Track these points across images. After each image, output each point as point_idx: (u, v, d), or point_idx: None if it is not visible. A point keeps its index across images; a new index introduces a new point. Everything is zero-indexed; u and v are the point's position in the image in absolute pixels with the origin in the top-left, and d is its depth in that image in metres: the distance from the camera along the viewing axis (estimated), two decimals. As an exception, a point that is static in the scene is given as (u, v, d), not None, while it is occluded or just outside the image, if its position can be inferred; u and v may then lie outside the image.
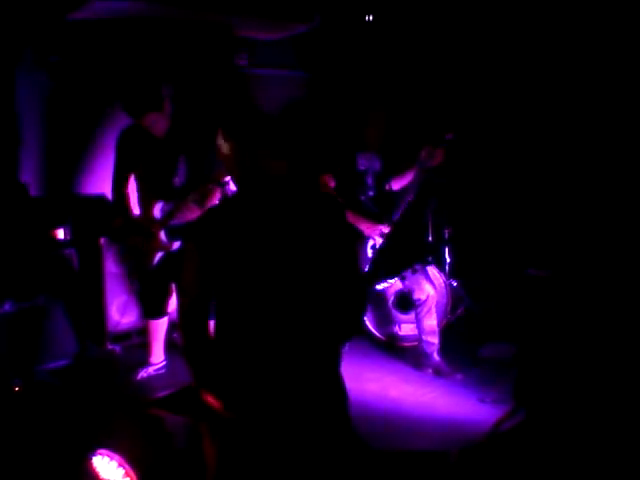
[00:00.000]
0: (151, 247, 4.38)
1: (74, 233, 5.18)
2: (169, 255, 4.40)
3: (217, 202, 4.39)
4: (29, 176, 5.14)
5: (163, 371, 4.67)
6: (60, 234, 5.07)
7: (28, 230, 4.74)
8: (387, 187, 4.83)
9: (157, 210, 4.36)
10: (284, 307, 2.21)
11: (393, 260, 4.79)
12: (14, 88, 5.08)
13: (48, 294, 4.66)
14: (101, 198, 5.30)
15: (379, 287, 4.98)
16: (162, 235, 4.35)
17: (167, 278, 4.49)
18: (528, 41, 5.21)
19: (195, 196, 4.24)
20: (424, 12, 5.56)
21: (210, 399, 2.20)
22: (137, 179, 4.43)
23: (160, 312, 4.61)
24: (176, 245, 4.37)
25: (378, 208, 4.83)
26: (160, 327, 4.64)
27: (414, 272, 4.84)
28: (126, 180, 4.41)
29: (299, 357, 2.23)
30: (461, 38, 5.53)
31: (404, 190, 4.74)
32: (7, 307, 4.44)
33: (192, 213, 4.24)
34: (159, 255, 4.41)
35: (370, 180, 4.84)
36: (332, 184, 4.72)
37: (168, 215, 4.34)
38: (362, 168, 4.82)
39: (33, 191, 5.06)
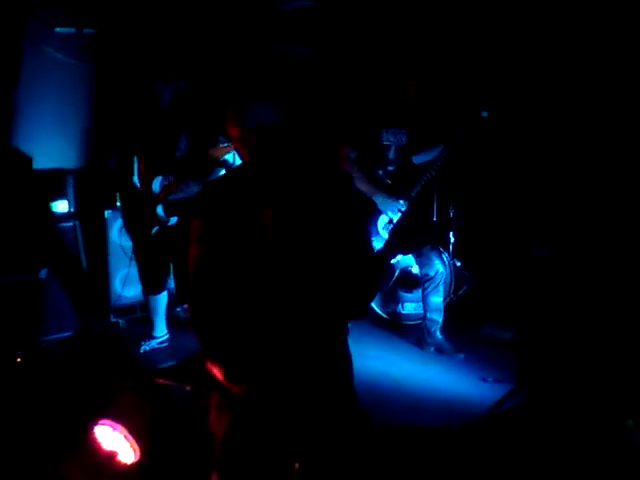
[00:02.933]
0: (148, 221, 4.39)
1: (78, 205, 5.19)
2: (166, 230, 4.40)
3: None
4: (35, 148, 5.10)
5: (166, 344, 4.69)
6: (64, 206, 5.08)
7: (30, 202, 4.73)
8: (411, 160, 4.80)
9: (156, 184, 4.35)
10: (289, 281, 2.20)
11: (411, 236, 4.76)
12: (21, 59, 5.03)
13: (50, 266, 4.65)
14: (105, 170, 5.29)
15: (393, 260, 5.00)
16: (159, 210, 4.34)
17: (165, 254, 4.50)
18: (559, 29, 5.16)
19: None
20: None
21: (216, 371, 2.20)
22: (139, 151, 4.42)
23: (159, 288, 4.62)
24: (173, 220, 4.38)
25: (397, 183, 4.83)
26: (160, 301, 4.65)
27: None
28: (131, 151, 4.42)
29: (305, 331, 2.23)
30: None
31: (424, 166, 4.72)
32: (9, 279, 4.44)
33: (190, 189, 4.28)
34: (155, 230, 4.42)
35: (392, 155, 4.82)
36: (352, 156, 4.71)
37: (166, 190, 4.33)
38: (387, 143, 4.80)
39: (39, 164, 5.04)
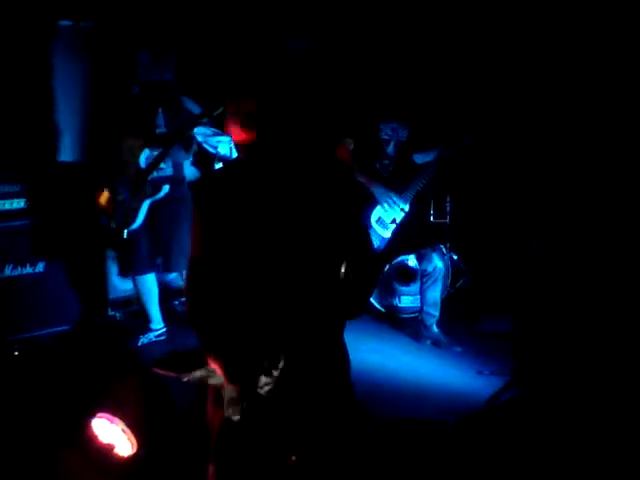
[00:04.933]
0: (138, 197, 4.41)
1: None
2: (156, 203, 4.45)
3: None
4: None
5: (164, 337, 4.69)
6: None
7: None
8: (411, 159, 4.82)
9: (142, 158, 4.41)
10: (288, 275, 2.20)
11: (413, 238, 4.83)
12: (49, 58, 5.03)
13: (49, 259, 4.65)
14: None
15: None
16: (147, 185, 4.41)
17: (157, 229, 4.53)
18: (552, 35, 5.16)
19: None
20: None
21: (215, 364, 2.20)
22: (120, 133, 4.49)
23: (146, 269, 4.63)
24: (164, 192, 4.43)
25: (393, 178, 4.83)
26: (151, 291, 4.63)
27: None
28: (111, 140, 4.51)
29: (303, 325, 2.23)
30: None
31: (424, 165, 4.74)
32: (7, 272, 4.43)
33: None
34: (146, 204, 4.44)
35: (391, 149, 4.83)
36: (350, 148, 4.72)
37: (153, 163, 4.39)
38: (385, 137, 4.81)
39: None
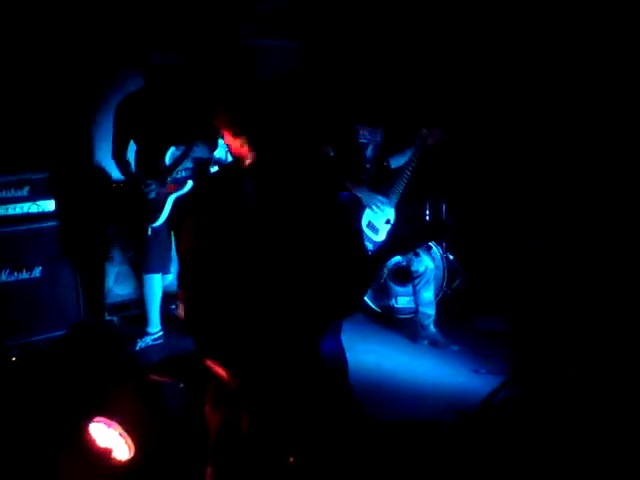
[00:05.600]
0: (163, 193, 4.45)
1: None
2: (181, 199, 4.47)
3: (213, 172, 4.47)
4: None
5: (161, 341, 4.69)
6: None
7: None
8: (385, 163, 4.83)
9: (168, 155, 4.48)
10: (280, 277, 2.21)
11: (405, 239, 4.83)
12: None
13: (46, 264, 4.64)
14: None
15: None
16: (170, 180, 4.46)
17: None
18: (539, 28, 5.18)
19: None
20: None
21: (212, 366, 2.22)
22: (136, 135, 4.53)
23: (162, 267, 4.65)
24: (186, 189, 4.45)
25: (375, 182, 4.84)
26: (156, 293, 4.64)
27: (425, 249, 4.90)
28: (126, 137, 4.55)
29: (297, 327, 2.24)
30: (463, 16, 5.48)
31: (401, 167, 4.75)
32: (4, 277, 4.43)
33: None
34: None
35: (370, 153, 4.85)
36: (331, 155, 4.73)
37: (178, 160, 4.45)
38: (363, 141, 4.82)
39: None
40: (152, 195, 4.44)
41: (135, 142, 4.57)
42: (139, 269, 4.76)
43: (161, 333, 4.71)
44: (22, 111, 4.85)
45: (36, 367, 4.13)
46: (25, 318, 4.49)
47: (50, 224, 4.69)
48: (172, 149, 4.48)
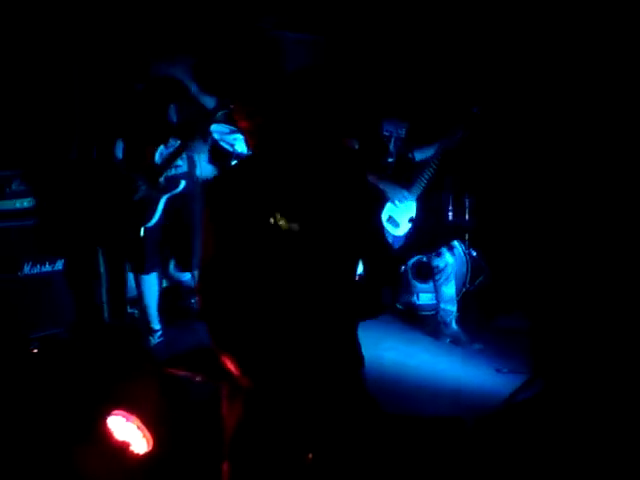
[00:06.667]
0: (154, 193, 4.38)
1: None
2: (173, 199, 4.41)
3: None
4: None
5: (162, 338, 4.62)
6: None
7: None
8: (410, 155, 4.79)
9: (157, 154, 4.35)
10: (303, 272, 2.18)
11: (427, 238, 4.80)
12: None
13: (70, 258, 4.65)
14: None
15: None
16: (162, 180, 4.36)
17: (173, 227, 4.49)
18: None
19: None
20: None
21: (228, 363, 2.19)
22: (124, 131, 4.46)
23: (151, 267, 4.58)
24: (178, 189, 4.37)
25: (398, 175, 4.80)
26: (154, 291, 4.59)
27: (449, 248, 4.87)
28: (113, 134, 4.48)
29: (317, 323, 2.21)
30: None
31: (426, 160, 4.70)
32: (26, 270, 4.45)
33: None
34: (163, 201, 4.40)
35: (393, 146, 4.81)
36: (355, 147, 4.70)
37: (169, 159, 4.34)
38: (386, 134, 4.78)
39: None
40: (141, 195, 4.38)
41: (122, 140, 4.48)
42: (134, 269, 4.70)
43: (161, 331, 4.67)
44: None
45: (56, 360, 4.14)
46: (47, 311, 4.50)
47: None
48: (161, 148, 4.34)
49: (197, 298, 2.31)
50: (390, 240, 4.69)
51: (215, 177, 2.34)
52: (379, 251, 2.29)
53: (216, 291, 2.19)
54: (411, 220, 4.71)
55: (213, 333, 2.23)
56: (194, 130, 4.36)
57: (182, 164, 4.42)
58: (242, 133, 2.35)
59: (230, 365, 2.19)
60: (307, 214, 2.17)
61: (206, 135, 4.45)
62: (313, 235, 2.17)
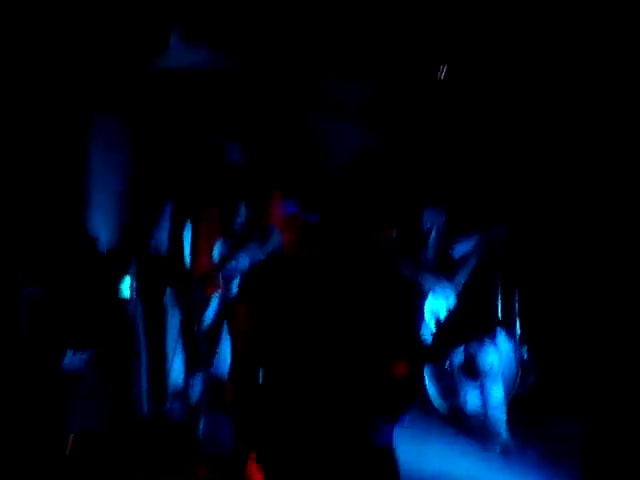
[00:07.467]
0: (208, 291, 4.27)
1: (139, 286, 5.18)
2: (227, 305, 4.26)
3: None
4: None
5: None
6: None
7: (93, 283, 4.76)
8: (450, 250, 4.71)
9: (216, 249, 4.27)
10: (334, 367, 2.16)
11: (460, 330, 4.68)
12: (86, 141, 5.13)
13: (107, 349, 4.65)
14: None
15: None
16: (219, 278, 4.23)
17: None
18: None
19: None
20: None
21: (254, 468, 2.15)
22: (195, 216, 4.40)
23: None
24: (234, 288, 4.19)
25: (437, 267, 4.71)
26: None
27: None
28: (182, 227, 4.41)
29: (349, 423, 2.17)
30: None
31: (466, 255, 4.62)
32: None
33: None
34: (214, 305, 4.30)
35: (432, 239, 4.73)
36: (392, 239, 4.64)
37: (227, 257, 4.22)
38: (427, 225, 4.72)
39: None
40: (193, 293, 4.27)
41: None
42: None
43: None
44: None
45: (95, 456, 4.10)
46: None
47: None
48: (220, 242, 4.25)
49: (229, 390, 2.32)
50: (430, 333, 4.58)
51: (249, 272, 2.38)
52: (414, 346, 2.28)
53: (248, 384, 2.20)
54: (450, 312, 4.60)
55: (240, 427, 2.22)
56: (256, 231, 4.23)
57: (241, 261, 4.23)
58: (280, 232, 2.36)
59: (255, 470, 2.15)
60: (338, 309, 2.16)
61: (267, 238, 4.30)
62: (344, 330, 2.15)
